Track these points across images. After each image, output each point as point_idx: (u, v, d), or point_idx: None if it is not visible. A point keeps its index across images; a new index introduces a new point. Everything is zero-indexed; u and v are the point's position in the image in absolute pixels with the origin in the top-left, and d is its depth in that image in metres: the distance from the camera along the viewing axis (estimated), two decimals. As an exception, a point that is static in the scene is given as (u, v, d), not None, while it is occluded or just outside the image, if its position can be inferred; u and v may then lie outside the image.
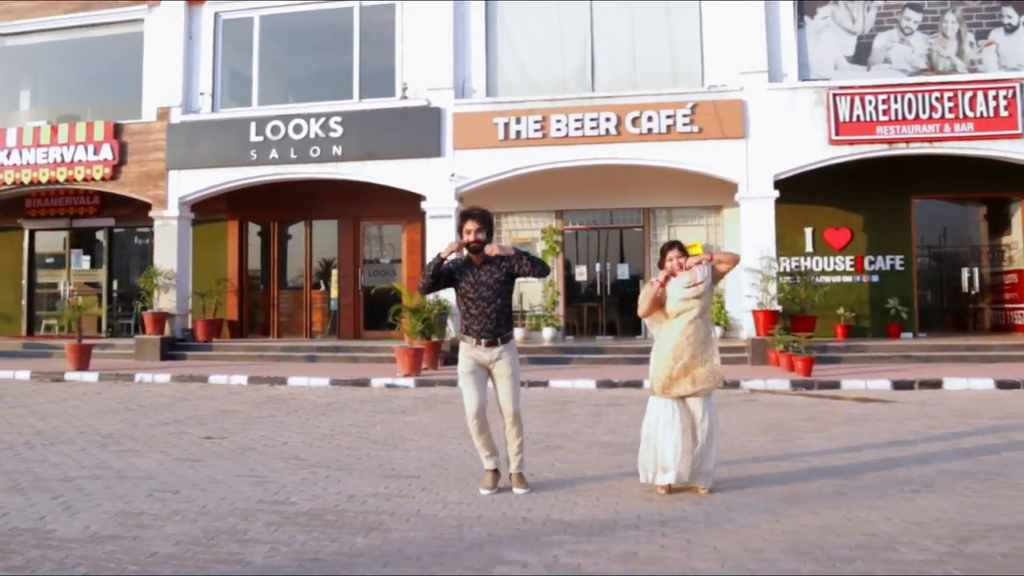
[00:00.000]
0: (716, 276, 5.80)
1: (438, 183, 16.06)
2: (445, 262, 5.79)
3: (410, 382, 12.70)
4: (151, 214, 17.36)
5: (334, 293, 18.86)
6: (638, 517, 5.08)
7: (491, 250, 5.67)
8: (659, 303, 5.77)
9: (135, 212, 18.39)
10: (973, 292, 17.72)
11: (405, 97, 16.54)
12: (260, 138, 16.69)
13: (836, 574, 3.97)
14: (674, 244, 5.84)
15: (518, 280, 5.95)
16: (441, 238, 15.77)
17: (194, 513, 5.26)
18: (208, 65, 17.61)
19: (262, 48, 17.76)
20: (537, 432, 8.19)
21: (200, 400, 11.22)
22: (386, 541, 4.63)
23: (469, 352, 5.75)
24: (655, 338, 5.89)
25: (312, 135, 16.51)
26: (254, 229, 19.54)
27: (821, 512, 5.09)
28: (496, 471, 5.84)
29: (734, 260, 5.76)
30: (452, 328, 15.15)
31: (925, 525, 4.77)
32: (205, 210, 18.00)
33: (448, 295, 15.17)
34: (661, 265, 5.84)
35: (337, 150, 16.42)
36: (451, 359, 14.77)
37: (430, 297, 14.53)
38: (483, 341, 5.70)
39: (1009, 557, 4.16)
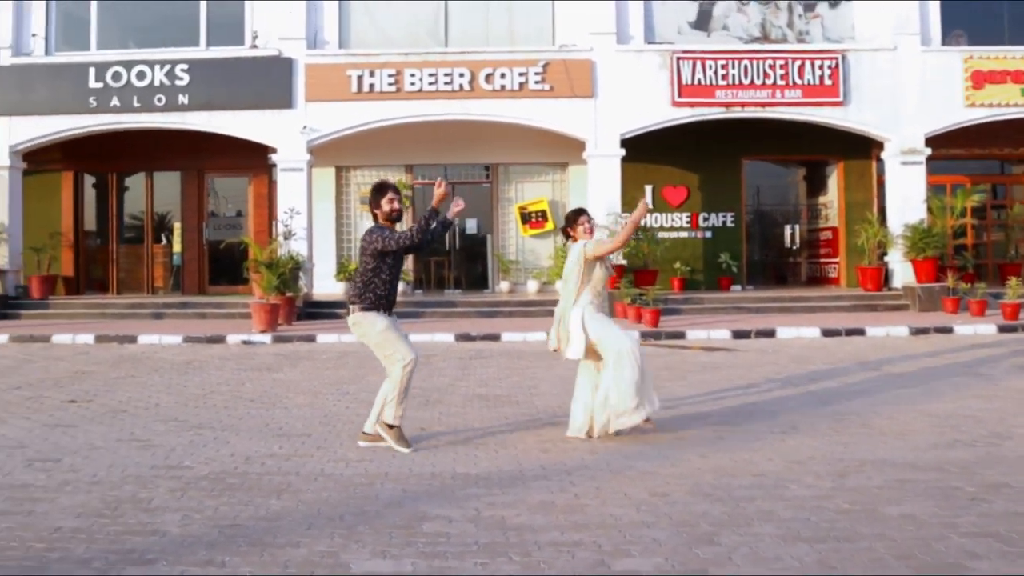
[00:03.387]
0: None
1: (289, 136, 15.59)
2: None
3: (267, 338, 12.38)
4: (-21, 164, 15.97)
5: (177, 247, 18.07)
6: (542, 468, 5.27)
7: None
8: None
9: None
10: (794, 248, 19.13)
11: (255, 46, 15.91)
12: (100, 84, 15.60)
13: (742, 512, 4.32)
14: (584, 211, 6.25)
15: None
16: (292, 192, 15.42)
17: (86, 483, 4.97)
18: (41, 5, 16.21)
19: (101, -11, 16.50)
20: (412, 386, 8.23)
21: (47, 361, 10.49)
22: (301, 503, 4.57)
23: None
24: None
25: (157, 83, 15.59)
26: (89, 180, 18.35)
27: (709, 456, 5.48)
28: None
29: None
30: (305, 283, 14.86)
31: (804, 463, 5.24)
32: (36, 160, 16.62)
33: (300, 247, 14.83)
34: (566, 232, 6.18)
35: (183, 99, 15.60)
36: (305, 315, 14.51)
37: (281, 252, 14.13)
38: (393, 313, 5.95)
39: (884, 488, 4.66)
